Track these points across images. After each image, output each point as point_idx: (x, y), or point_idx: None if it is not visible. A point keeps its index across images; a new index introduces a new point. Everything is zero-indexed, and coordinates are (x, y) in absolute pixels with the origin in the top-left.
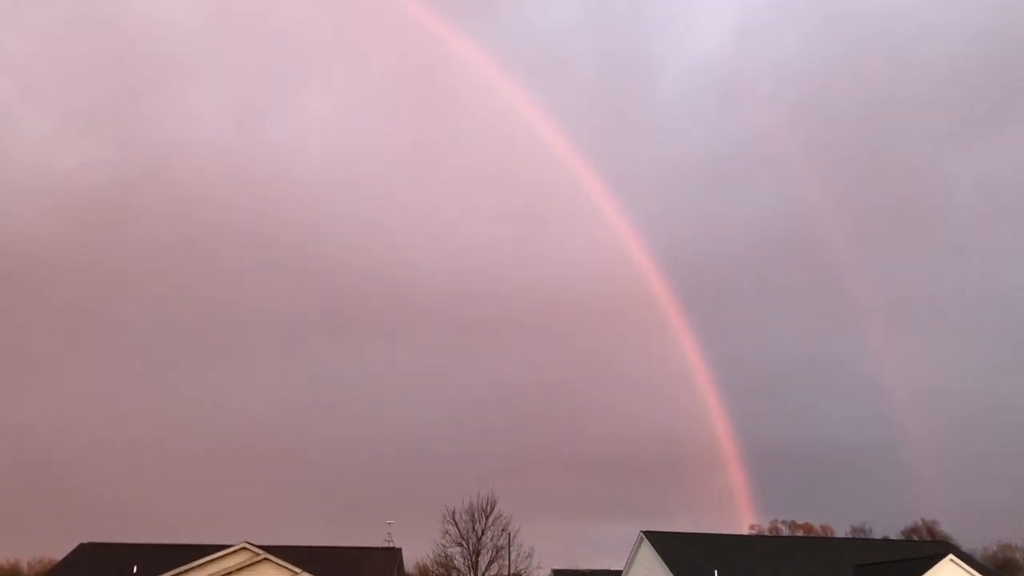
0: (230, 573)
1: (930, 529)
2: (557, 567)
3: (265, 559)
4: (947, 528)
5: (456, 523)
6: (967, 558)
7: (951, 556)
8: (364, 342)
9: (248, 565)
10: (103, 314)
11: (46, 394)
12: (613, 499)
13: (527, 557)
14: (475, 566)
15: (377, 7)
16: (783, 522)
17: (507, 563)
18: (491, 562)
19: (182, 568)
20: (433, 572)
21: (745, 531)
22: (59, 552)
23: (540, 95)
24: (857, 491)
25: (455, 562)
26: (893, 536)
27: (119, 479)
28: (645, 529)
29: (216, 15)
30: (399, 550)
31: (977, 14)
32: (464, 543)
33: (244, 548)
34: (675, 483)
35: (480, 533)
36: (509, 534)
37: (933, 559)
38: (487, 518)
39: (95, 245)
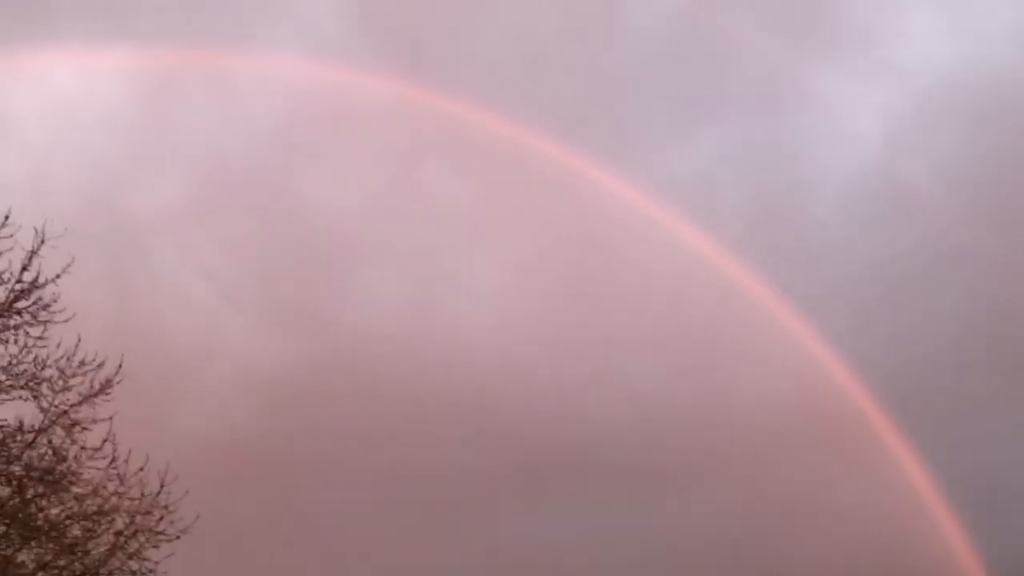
0: None
1: None
2: None
3: None
4: None
5: None
6: None
7: None
8: (550, 503)
9: None
10: (301, 501)
11: None
12: None
13: None
14: None
15: (522, 168)
16: None
17: None
18: None
19: None
20: None
21: None
22: None
23: (697, 229)
24: None
25: None
26: None
27: None
28: None
29: (382, 197)
30: None
31: None
32: None
33: None
34: None
35: None
36: None
37: None
38: None
39: (293, 434)
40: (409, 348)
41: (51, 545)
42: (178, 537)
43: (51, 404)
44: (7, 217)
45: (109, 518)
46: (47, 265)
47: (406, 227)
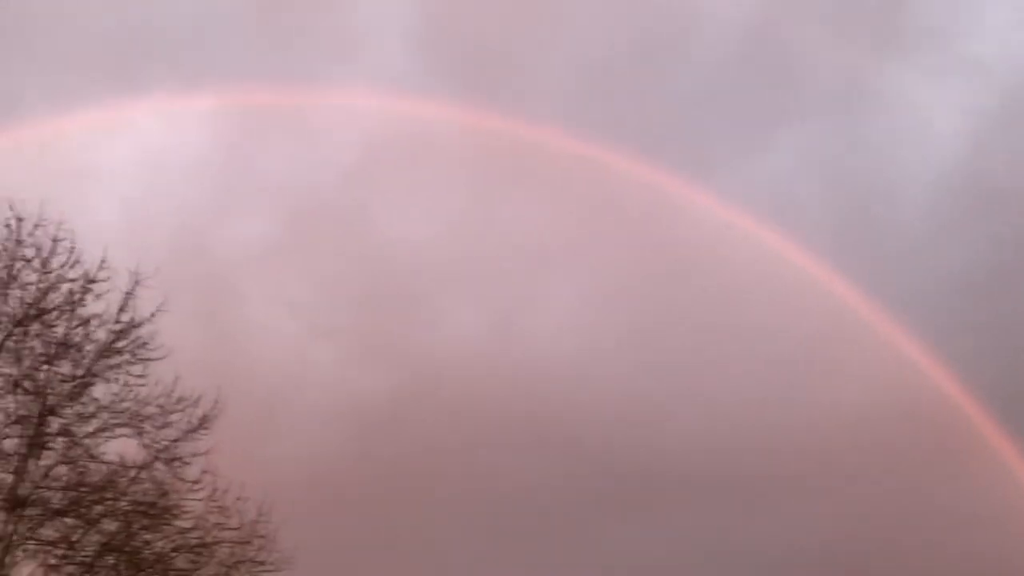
0: None
1: None
2: None
3: None
4: None
5: None
6: None
7: None
8: (640, 519)
9: None
10: (393, 523)
11: None
12: None
13: None
14: None
15: (597, 189)
16: None
17: None
18: None
19: None
20: None
21: None
22: None
23: (779, 236)
24: None
25: None
26: None
27: None
28: None
29: (460, 227)
30: None
31: None
32: None
33: None
34: None
35: None
36: None
37: None
38: None
39: (383, 459)
40: (492, 372)
41: None
42: (281, 568)
43: (153, 440)
44: (103, 260)
45: (212, 549)
46: (142, 305)
47: (485, 255)
